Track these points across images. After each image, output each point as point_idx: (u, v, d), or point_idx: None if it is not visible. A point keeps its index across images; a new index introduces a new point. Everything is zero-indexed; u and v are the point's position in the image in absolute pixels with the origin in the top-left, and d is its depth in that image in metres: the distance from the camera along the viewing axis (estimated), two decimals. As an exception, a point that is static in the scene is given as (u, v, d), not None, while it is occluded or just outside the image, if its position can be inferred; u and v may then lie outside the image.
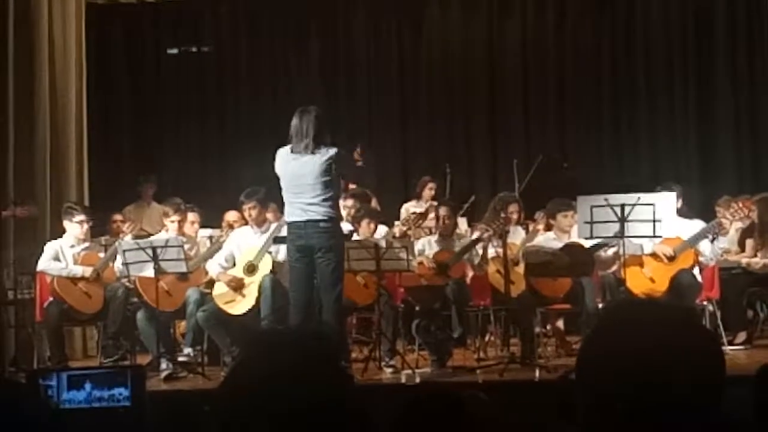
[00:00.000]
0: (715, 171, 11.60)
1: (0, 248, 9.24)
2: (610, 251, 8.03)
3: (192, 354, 8.26)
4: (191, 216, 8.82)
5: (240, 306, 7.99)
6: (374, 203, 9.84)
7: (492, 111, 12.38)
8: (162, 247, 7.93)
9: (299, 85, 12.41)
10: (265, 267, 8.02)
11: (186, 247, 8.19)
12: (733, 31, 11.87)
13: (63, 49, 10.21)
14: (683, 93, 12.00)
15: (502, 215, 8.30)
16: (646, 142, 11.98)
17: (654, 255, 7.90)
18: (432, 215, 9.21)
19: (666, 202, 7.49)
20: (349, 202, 8.87)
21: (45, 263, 8.35)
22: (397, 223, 9.44)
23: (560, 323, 8.72)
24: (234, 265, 8.20)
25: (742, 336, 8.36)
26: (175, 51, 12.82)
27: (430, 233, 9.10)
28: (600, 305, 7.75)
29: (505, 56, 12.41)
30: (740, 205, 8.11)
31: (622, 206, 7.34)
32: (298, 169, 7.08)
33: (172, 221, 8.59)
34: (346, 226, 7.82)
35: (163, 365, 7.90)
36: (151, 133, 12.50)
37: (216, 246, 8.49)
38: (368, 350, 7.92)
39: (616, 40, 12.22)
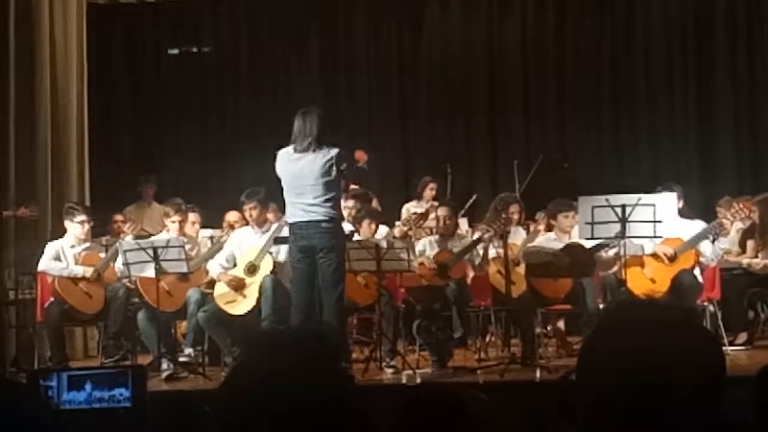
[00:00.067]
0: (716, 171, 11.59)
1: (1, 248, 9.25)
2: (611, 252, 8.03)
3: (193, 354, 8.26)
4: (192, 216, 8.82)
5: (241, 306, 7.99)
6: (375, 203, 9.84)
7: (492, 111, 12.38)
8: (163, 247, 7.93)
9: (299, 85, 12.41)
10: (265, 267, 8.02)
11: (187, 247, 8.19)
12: (733, 31, 11.87)
13: (64, 49, 10.22)
14: (683, 93, 11.99)
15: (503, 216, 8.30)
16: (646, 142, 11.97)
17: (655, 255, 7.90)
18: (433, 215, 9.20)
19: (667, 202, 7.50)
20: (350, 202, 8.87)
21: (46, 263, 8.35)
22: (397, 223, 9.44)
23: (561, 324, 8.72)
24: (235, 265, 8.21)
25: (742, 337, 8.36)
26: (175, 51, 12.82)
27: (431, 233, 9.10)
28: (601, 306, 7.75)
29: (505, 56, 12.41)
30: (741, 205, 8.11)
31: (623, 207, 7.35)
32: (299, 170, 7.10)
33: (173, 221, 8.59)
34: (347, 227, 7.82)
35: (164, 365, 7.90)
36: (151, 133, 12.50)
37: (217, 246, 8.49)
38: (369, 351, 7.92)
39: (616, 40, 12.22)
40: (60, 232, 8.66)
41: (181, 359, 8.19)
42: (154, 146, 12.44)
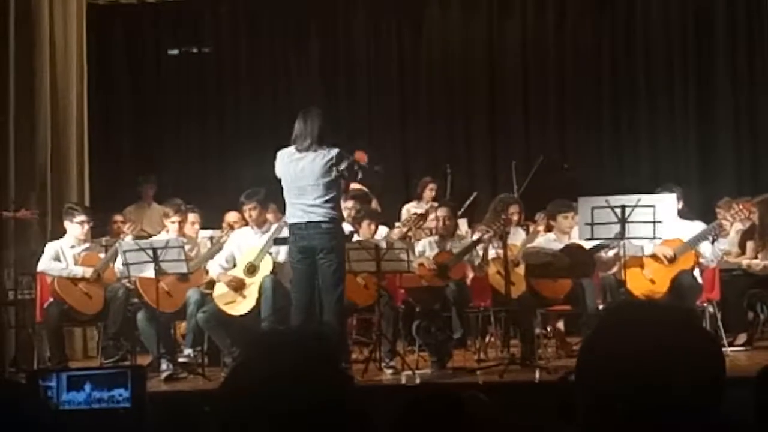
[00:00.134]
0: (715, 171, 11.59)
1: (0, 248, 9.24)
2: (611, 252, 8.03)
3: (192, 355, 8.26)
4: (192, 217, 8.82)
5: (240, 307, 7.99)
6: (375, 204, 9.84)
7: (492, 111, 12.38)
8: (162, 247, 7.93)
9: (299, 85, 12.41)
10: (265, 268, 8.02)
11: (186, 247, 8.19)
12: (733, 31, 11.86)
13: (64, 49, 10.22)
14: (683, 93, 11.99)
15: (503, 216, 8.30)
16: (646, 142, 11.97)
17: (654, 256, 7.90)
18: (432, 216, 9.20)
19: (666, 203, 7.50)
20: (350, 203, 8.87)
21: (45, 264, 8.35)
22: (397, 224, 9.44)
23: (560, 324, 8.72)
24: (234, 265, 8.21)
25: (742, 337, 8.36)
26: (175, 51, 12.82)
27: (431, 234, 9.10)
28: (600, 306, 7.75)
29: (505, 56, 12.40)
30: (740, 206, 8.11)
31: (623, 207, 7.35)
32: (299, 170, 7.11)
33: (173, 222, 8.59)
34: (346, 227, 7.82)
35: (164, 366, 7.90)
36: (151, 133, 12.50)
37: (216, 247, 8.49)
38: (368, 351, 7.92)
39: (616, 40, 12.22)
40: (60, 233, 8.66)
41: (181, 360, 8.19)
42: (153, 147, 12.44)
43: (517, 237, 8.85)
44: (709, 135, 11.80)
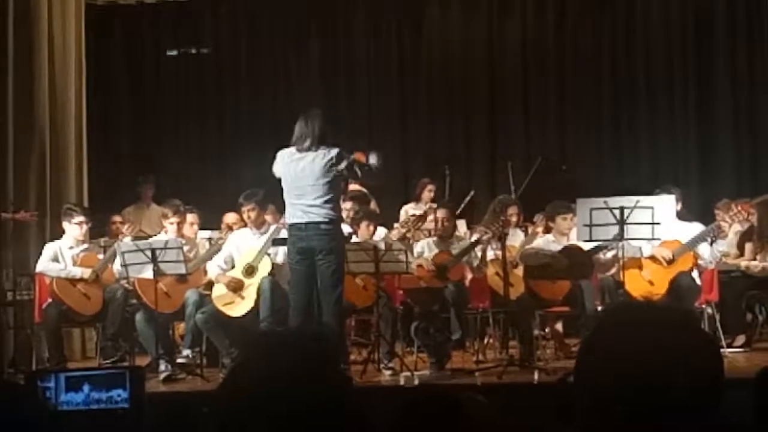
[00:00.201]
0: (715, 172, 11.59)
1: (-1, 249, 9.25)
2: (609, 254, 8.03)
3: (191, 355, 8.25)
4: (190, 217, 8.81)
5: (239, 308, 7.98)
6: (373, 205, 9.83)
7: (492, 111, 12.38)
8: (161, 248, 7.92)
9: (299, 85, 12.41)
10: (264, 269, 8.01)
11: (185, 248, 8.19)
12: (733, 31, 11.86)
13: (63, 49, 10.21)
14: (683, 93, 11.99)
15: (501, 217, 8.31)
16: (646, 143, 11.97)
17: (653, 258, 7.90)
18: (431, 217, 9.20)
19: (665, 205, 7.50)
20: (348, 204, 8.87)
21: (44, 264, 8.35)
22: (396, 225, 9.44)
23: (559, 326, 8.72)
24: (233, 266, 8.20)
25: (740, 339, 8.36)
26: (174, 52, 12.82)
27: (429, 235, 9.10)
28: (599, 308, 7.74)
29: (505, 56, 12.40)
30: (739, 208, 8.11)
31: (621, 209, 7.35)
32: (300, 170, 7.10)
33: (171, 223, 8.58)
34: (345, 228, 7.82)
35: (162, 367, 7.90)
36: (150, 134, 12.50)
37: (215, 248, 8.48)
38: (367, 352, 7.92)
39: (616, 40, 12.22)
40: (58, 233, 8.66)
41: (179, 360, 8.18)
42: (152, 147, 12.44)
43: (516, 238, 8.85)
44: (708, 135, 11.80)
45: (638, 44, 12.10)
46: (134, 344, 8.38)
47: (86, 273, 8.28)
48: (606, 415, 1.62)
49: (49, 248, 8.43)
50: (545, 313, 8.31)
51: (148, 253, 7.88)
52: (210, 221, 9.27)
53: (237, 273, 8.12)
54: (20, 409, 1.84)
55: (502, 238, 8.04)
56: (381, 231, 8.92)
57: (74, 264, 8.35)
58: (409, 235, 8.98)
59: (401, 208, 10.63)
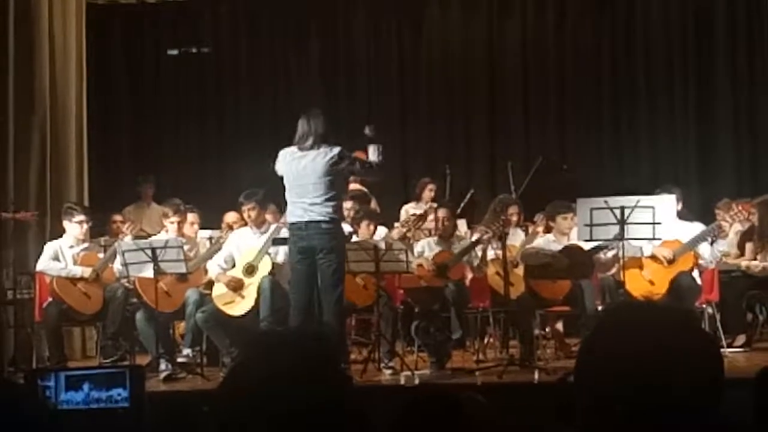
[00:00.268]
0: (715, 172, 11.59)
1: (-1, 248, 9.25)
2: (610, 254, 8.03)
3: (191, 355, 8.26)
4: (191, 217, 8.81)
5: (239, 307, 7.98)
6: (374, 204, 9.84)
7: (492, 111, 12.37)
8: (161, 247, 7.92)
9: (299, 85, 12.41)
10: (264, 268, 8.02)
11: (185, 248, 8.19)
12: (733, 31, 11.86)
13: (63, 48, 10.21)
14: (683, 93, 11.99)
15: (502, 217, 8.30)
16: (646, 143, 11.97)
17: (653, 257, 7.90)
18: (431, 217, 9.20)
19: (665, 204, 7.50)
20: (349, 203, 8.86)
21: (44, 263, 8.35)
22: (396, 224, 9.43)
23: (559, 325, 8.72)
24: (233, 266, 8.20)
25: (741, 339, 8.36)
26: (175, 52, 12.82)
27: (430, 235, 9.10)
28: (599, 307, 7.75)
29: (505, 56, 12.40)
30: (740, 207, 8.10)
31: (622, 209, 7.35)
32: (302, 169, 7.11)
33: (172, 222, 8.58)
34: (345, 228, 7.82)
35: (162, 366, 7.90)
36: (150, 133, 12.49)
37: (215, 247, 8.48)
38: (367, 352, 7.91)
39: (616, 40, 12.21)
40: (59, 232, 8.65)
41: (180, 360, 8.18)
42: (153, 146, 12.43)
43: (516, 238, 8.85)
44: (708, 135, 11.81)
45: (638, 44, 12.10)
46: (134, 343, 8.38)
47: (87, 272, 8.28)
48: (606, 414, 1.62)
49: (50, 247, 8.43)
50: (545, 313, 8.31)
51: (149, 252, 7.88)
52: (210, 220, 9.27)
53: (237, 272, 8.12)
54: (20, 409, 1.84)
55: (502, 238, 8.04)
56: (381, 230, 8.92)
57: (75, 263, 8.35)
58: (409, 234, 8.98)
59: (401, 207, 10.62)
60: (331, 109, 10.26)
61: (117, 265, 8.27)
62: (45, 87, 9.87)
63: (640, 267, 7.93)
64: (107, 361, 8.20)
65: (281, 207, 7.63)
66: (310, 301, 7.17)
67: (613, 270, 8.06)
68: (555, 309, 8.20)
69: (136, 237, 8.57)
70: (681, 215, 8.01)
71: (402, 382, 7.41)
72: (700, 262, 7.99)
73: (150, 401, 5.37)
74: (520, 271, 8.24)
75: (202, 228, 9.03)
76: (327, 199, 7.07)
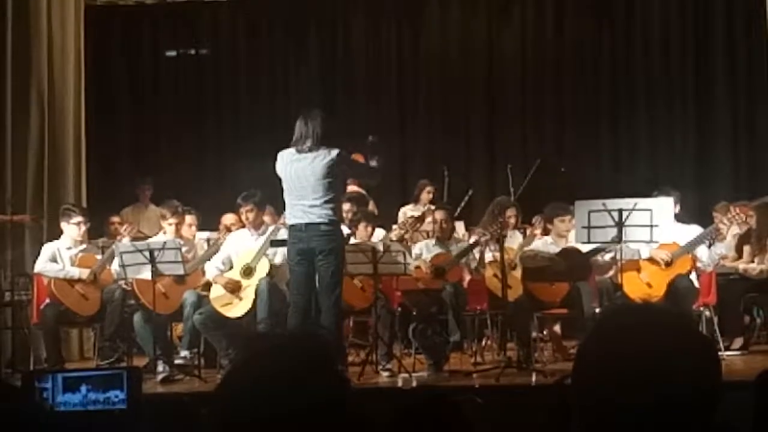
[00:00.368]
0: (713, 174, 11.60)
1: (-3, 249, 9.25)
2: (607, 256, 8.03)
3: (189, 356, 8.24)
4: (189, 218, 8.81)
5: (237, 309, 7.98)
6: (372, 206, 9.84)
7: (490, 112, 12.38)
8: (159, 249, 7.92)
9: (299, 85, 12.41)
10: (262, 270, 8.01)
11: (183, 249, 8.18)
12: (733, 32, 11.87)
13: (61, 49, 10.20)
14: (681, 96, 11.99)
15: (500, 219, 8.30)
16: (645, 144, 11.97)
17: (651, 260, 7.89)
18: (429, 219, 9.20)
19: (663, 207, 7.49)
20: (347, 205, 8.85)
21: (42, 265, 8.35)
22: (394, 226, 9.43)
23: (557, 328, 8.72)
24: (231, 267, 8.20)
25: (738, 342, 8.36)
26: (173, 53, 12.82)
27: (428, 237, 9.10)
28: (597, 310, 7.74)
29: (505, 56, 12.41)
30: (737, 210, 8.10)
31: (620, 211, 7.34)
32: (300, 171, 7.10)
33: (170, 223, 8.58)
34: (343, 230, 7.82)
35: (160, 368, 7.90)
36: (148, 135, 12.49)
37: (213, 249, 8.48)
38: (365, 354, 7.92)
39: (616, 41, 12.22)
40: (56, 234, 8.65)
41: (177, 361, 8.17)
42: (151, 148, 12.43)
43: (514, 240, 8.85)
44: (706, 138, 11.81)
45: (637, 46, 12.11)
46: (132, 345, 8.38)
47: (84, 273, 8.28)
48: (603, 417, 1.62)
49: (48, 249, 8.42)
50: (543, 315, 8.31)
51: (147, 253, 7.88)
52: (208, 222, 9.27)
53: (235, 274, 8.11)
54: (17, 410, 1.83)
55: (500, 240, 8.04)
56: (379, 232, 8.92)
57: (72, 264, 8.35)
58: (407, 236, 8.98)
59: (399, 209, 10.62)
60: (330, 109, 10.27)
61: (115, 267, 8.27)
62: (43, 88, 9.87)
63: (638, 270, 7.93)
64: (105, 362, 8.20)
65: (279, 209, 7.63)
66: (308, 303, 7.17)
67: (611, 272, 8.07)
68: (553, 311, 8.20)
69: (133, 238, 8.57)
70: (678, 218, 8.01)
71: (400, 384, 7.42)
72: (698, 264, 7.99)
73: (147, 403, 5.37)
74: (517, 273, 8.24)
75: (200, 229, 9.03)
76: (326, 201, 7.06)
